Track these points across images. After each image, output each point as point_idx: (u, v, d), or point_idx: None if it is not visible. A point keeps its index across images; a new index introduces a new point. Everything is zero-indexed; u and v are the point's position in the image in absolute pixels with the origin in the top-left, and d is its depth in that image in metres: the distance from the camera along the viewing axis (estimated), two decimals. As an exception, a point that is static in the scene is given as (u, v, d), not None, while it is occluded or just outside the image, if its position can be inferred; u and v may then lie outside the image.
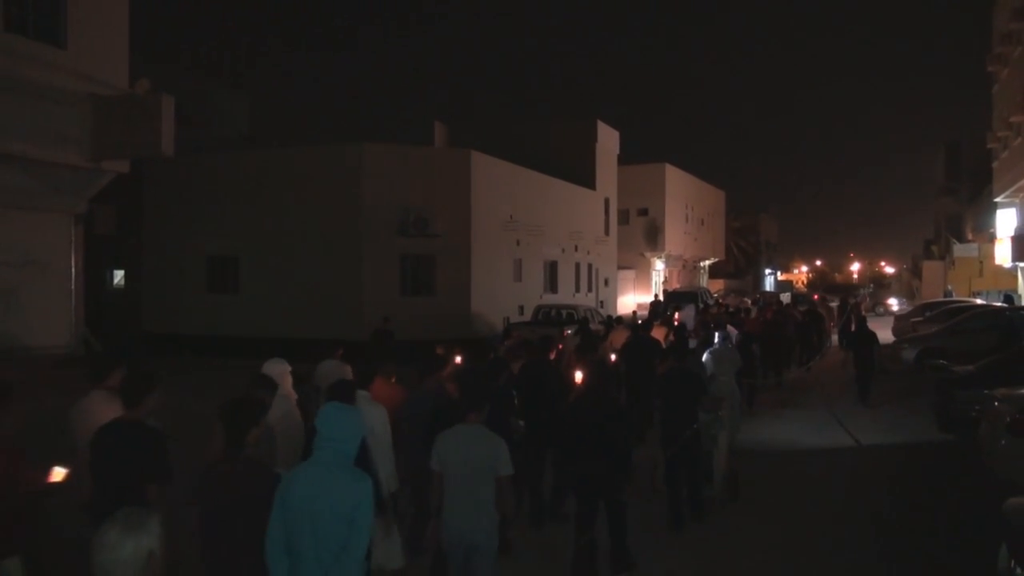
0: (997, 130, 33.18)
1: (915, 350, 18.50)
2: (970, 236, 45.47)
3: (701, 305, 26.15)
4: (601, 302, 34.03)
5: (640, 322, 14.93)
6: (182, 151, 15.56)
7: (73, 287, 14.66)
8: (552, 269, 29.61)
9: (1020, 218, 32.06)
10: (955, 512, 8.13)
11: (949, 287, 41.41)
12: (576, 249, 31.67)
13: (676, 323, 16.63)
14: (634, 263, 43.64)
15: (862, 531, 7.62)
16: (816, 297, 38.27)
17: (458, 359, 8.42)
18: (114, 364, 5.32)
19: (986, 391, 9.42)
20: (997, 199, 33.86)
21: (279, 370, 6.00)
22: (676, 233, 46.18)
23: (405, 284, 22.70)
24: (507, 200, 25.60)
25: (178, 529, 3.69)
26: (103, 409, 4.87)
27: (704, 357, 10.04)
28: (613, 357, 11.21)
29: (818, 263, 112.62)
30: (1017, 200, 31.96)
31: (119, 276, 25.93)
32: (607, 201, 35.87)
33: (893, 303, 45.96)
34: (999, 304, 24.01)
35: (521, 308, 25.38)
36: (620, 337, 12.93)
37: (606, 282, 36.42)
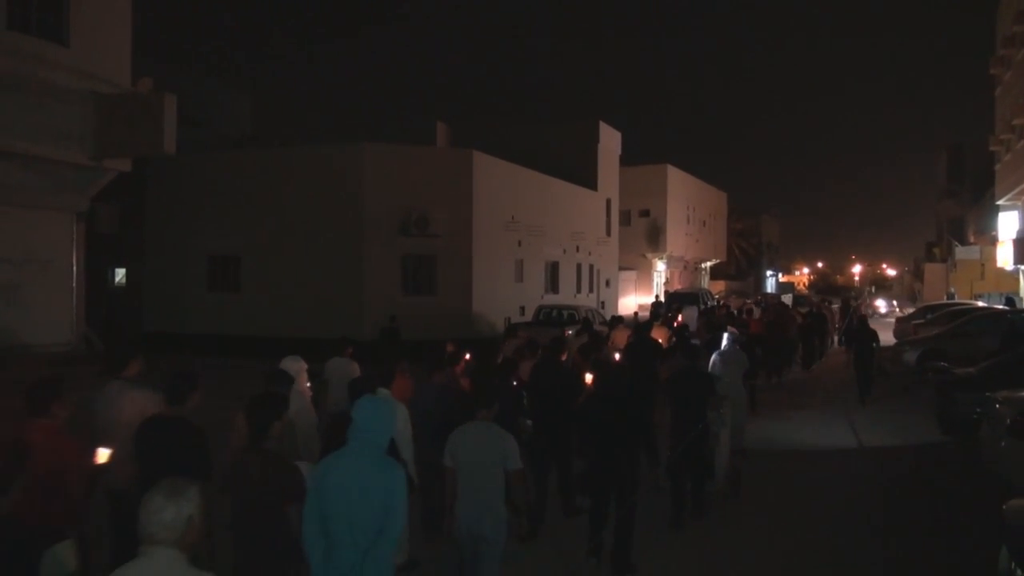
0: (999, 133, 33.19)
1: (916, 352, 18.48)
2: (972, 239, 45.48)
3: (702, 306, 26.15)
4: (602, 303, 34.03)
5: (641, 323, 14.97)
6: (184, 150, 15.58)
7: (75, 285, 14.66)
8: (553, 270, 29.61)
9: (1022, 221, 32.04)
10: (955, 513, 8.12)
11: (952, 289, 41.36)
12: (577, 250, 31.67)
13: (678, 324, 16.65)
14: (635, 264, 43.64)
15: (862, 531, 7.61)
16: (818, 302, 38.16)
17: (467, 356, 8.56)
18: (131, 355, 5.59)
19: (987, 393, 9.42)
20: (999, 202, 33.86)
21: (296, 367, 6.27)
22: (678, 234, 46.18)
23: (406, 284, 22.72)
24: (509, 200, 25.61)
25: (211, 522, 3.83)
26: (122, 398, 5.22)
27: (713, 358, 10.06)
28: (617, 356, 11.22)
29: (820, 265, 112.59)
30: (1019, 203, 31.94)
31: (121, 274, 25.96)
32: (609, 202, 35.88)
33: (881, 305, 45.12)
34: (1000, 307, 24.01)
35: (522, 308, 25.39)
36: (622, 337, 12.95)
37: (607, 283, 36.42)
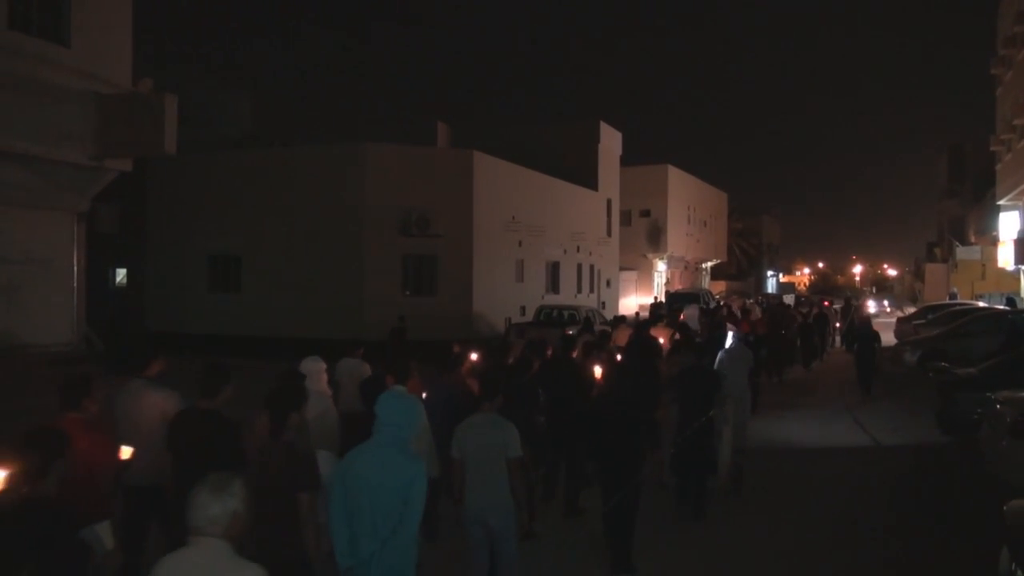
0: (1000, 133, 33.17)
1: (917, 353, 18.47)
2: (973, 239, 45.47)
3: (703, 306, 26.15)
4: (603, 303, 34.02)
5: (641, 322, 15.03)
6: (185, 150, 15.56)
7: (75, 285, 14.65)
8: (554, 270, 29.60)
9: (1023, 221, 32.03)
10: (956, 514, 8.11)
11: (954, 290, 41.29)
12: (578, 250, 31.66)
13: (681, 322, 16.68)
14: (636, 264, 43.62)
15: (862, 532, 7.61)
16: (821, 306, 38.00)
17: (474, 356, 8.65)
18: (154, 356, 5.69)
19: (988, 394, 9.42)
20: (1000, 202, 33.85)
21: (316, 367, 6.33)
22: (678, 234, 46.15)
23: (407, 284, 22.72)
24: (509, 201, 25.60)
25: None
26: (144, 396, 5.35)
27: (719, 356, 10.10)
28: (619, 356, 11.25)
29: (820, 265, 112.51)
30: (1020, 203, 31.93)
31: (121, 275, 25.96)
32: (609, 202, 35.86)
33: (871, 306, 44.49)
34: (1001, 307, 24.00)
35: (523, 309, 25.38)
36: (623, 336, 13.01)
37: (608, 283, 36.41)
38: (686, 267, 49.88)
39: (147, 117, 13.66)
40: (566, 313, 23.12)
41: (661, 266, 45.46)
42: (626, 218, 41.45)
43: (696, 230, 50.20)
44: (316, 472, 4.22)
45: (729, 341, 10.45)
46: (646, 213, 44.17)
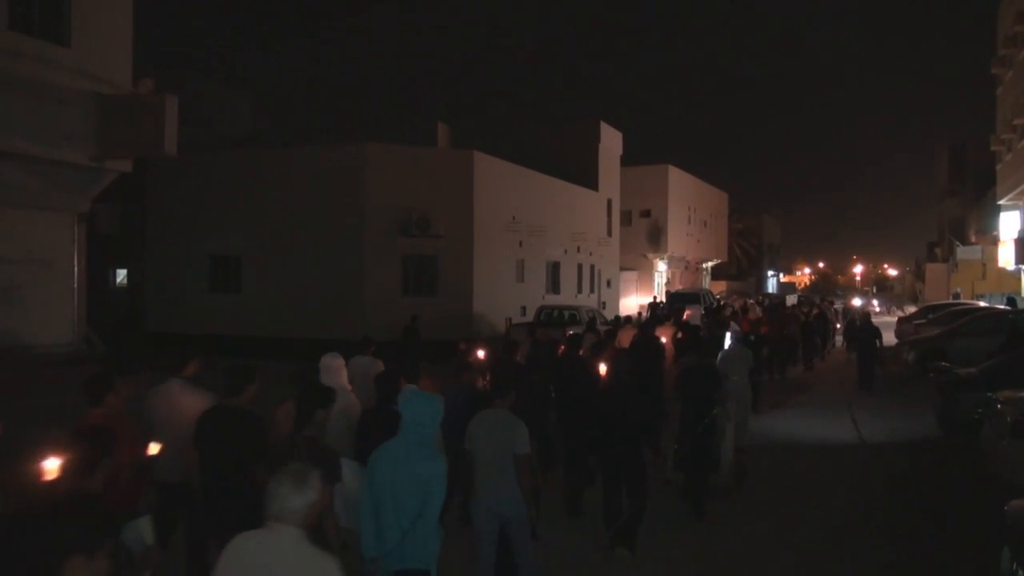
0: (1001, 132, 33.15)
1: (918, 352, 18.48)
2: (973, 239, 45.45)
3: (706, 307, 26.16)
4: (603, 303, 34.00)
5: (644, 321, 15.08)
6: (185, 150, 15.56)
7: (76, 286, 14.66)
8: (554, 270, 29.60)
9: (1023, 220, 32.02)
10: (957, 514, 8.11)
11: (957, 289, 41.26)
12: (578, 250, 31.64)
13: (684, 320, 16.76)
14: (636, 264, 43.60)
15: (863, 531, 7.60)
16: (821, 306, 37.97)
17: (480, 354, 8.72)
18: (191, 356, 5.84)
19: (989, 393, 9.42)
20: (1001, 201, 33.84)
21: (335, 364, 6.39)
22: (679, 234, 46.14)
23: (407, 284, 22.71)
24: (510, 201, 25.59)
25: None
26: (180, 396, 5.49)
27: (720, 355, 10.17)
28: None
29: (821, 265, 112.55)
30: (1021, 203, 31.92)
31: (122, 275, 25.97)
32: (610, 202, 35.84)
33: (856, 303, 44.23)
34: (1002, 307, 24.00)
35: (523, 309, 25.38)
36: (627, 336, 13.06)
37: (608, 283, 36.40)
38: (687, 267, 49.86)
39: (147, 118, 13.67)
40: (567, 313, 23.12)
41: (661, 266, 45.45)
42: (626, 218, 41.43)
43: (696, 230, 50.18)
44: (337, 465, 4.38)
45: (728, 342, 10.52)
46: (646, 213, 44.16)
